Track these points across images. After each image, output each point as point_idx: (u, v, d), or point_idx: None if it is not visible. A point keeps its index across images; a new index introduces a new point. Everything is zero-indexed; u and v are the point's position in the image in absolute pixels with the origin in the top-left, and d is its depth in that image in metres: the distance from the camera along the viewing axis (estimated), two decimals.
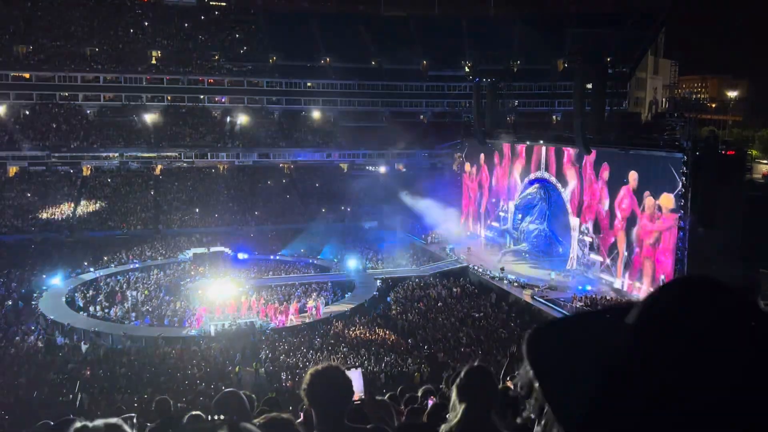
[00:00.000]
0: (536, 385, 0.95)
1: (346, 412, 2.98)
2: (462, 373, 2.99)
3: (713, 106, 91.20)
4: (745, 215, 34.25)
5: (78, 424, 2.11)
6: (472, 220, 57.10)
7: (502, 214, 51.66)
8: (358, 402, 3.19)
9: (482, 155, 55.58)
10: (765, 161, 64.02)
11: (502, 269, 43.14)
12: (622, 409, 0.87)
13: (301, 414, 4.50)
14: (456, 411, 2.87)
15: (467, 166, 58.82)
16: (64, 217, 55.03)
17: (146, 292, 39.83)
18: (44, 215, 54.46)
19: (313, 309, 36.65)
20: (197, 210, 58.46)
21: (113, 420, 2.14)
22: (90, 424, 2.10)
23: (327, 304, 38.48)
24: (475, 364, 3.09)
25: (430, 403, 7.46)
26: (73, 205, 57.07)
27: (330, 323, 35.20)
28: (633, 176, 37.57)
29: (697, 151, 33.85)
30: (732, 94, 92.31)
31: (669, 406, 0.85)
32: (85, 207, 57.34)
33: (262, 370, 29.38)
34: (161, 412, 6.95)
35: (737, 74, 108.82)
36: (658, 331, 0.90)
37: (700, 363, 0.85)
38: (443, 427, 2.92)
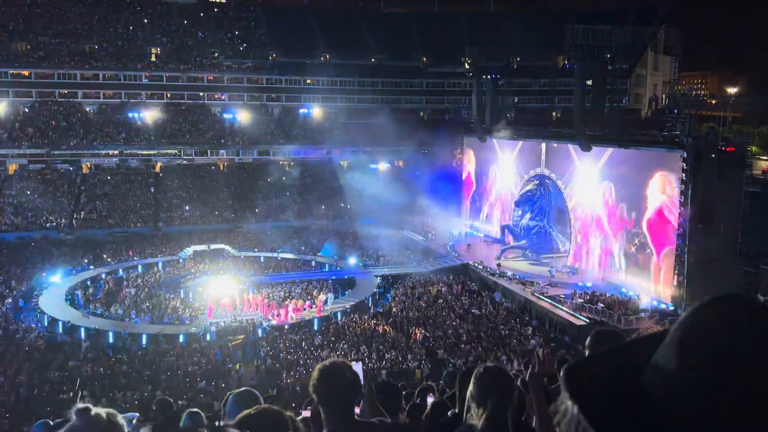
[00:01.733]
0: (580, 418, 0.94)
1: (354, 406, 2.96)
2: (478, 373, 2.94)
3: (713, 102, 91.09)
4: (744, 211, 34.25)
5: (80, 406, 2.15)
6: (472, 217, 57.08)
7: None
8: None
9: (482, 152, 55.58)
10: (765, 158, 63.99)
11: (499, 265, 43.22)
12: None
13: (308, 410, 4.49)
14: (477, 411, 2.84)
15: (467, 163, 58.82)
16: (63, 214, 54.99)
17: (147, 289, 39.82)
18: (44, 213, 54.41)
19: (323, 303, 37.18)
20: (187, 207, 58.39)
21: (112, 411, 2.18)
22: (93, 409, 2.14)
23: (336, 297, 38.94)
24: (489, 364, 3.05)
25: (429, 400, 7.45)
26: (72, 202, 57.05)
27: (330, 320, 35.25)
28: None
29: (697, 148, 33.83)
30: (732, 90, 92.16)
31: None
32: (85, 205, 57.34)
33: (263, 367, 29.42)
34: (163, 411, 6.95)
35: (737, 70, 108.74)
36: (702, 356, 0.89)
37: (751, 382, 0.85)
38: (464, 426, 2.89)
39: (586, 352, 3.78)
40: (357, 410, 3.35)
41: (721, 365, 0.87)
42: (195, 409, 5.51)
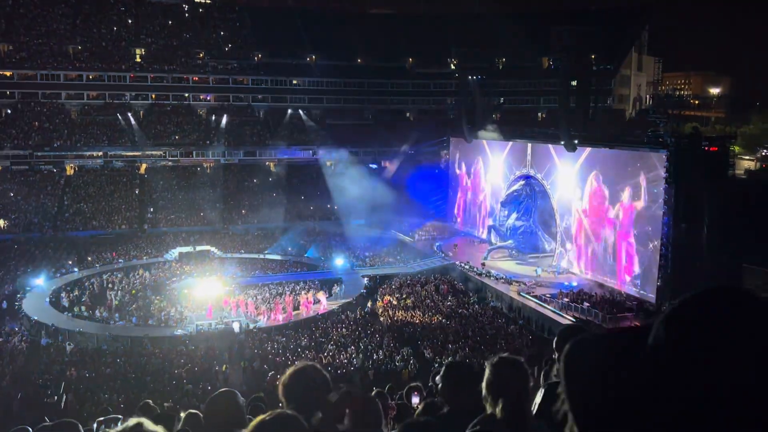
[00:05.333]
0: (564, 389, 1.01)
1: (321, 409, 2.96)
2: (491, 367, 2.94)
3: (696, 102, 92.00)
4: (728, 211, 34.56)
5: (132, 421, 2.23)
6: (458, 217, 57.24)
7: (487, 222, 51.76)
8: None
9: (468, 152, 55.76)
10: (747, 157, 64.66)
11: (483, 264, 43.37)
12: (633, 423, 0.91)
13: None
14: (493, 406, 2.83)
15: (453, 163, 59.00)
16: (47, 216, 54.46)
17: (134, 291, 39.53)
18: (27, 215, 53.86)
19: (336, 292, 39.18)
20: (173, 208, 58.08)
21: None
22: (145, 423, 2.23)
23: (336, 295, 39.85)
24: (504, 355, 3.06)
25: (415, 399, 7.47)
26: (56, 204, 56.52)
27: (318, 321, 35.20)
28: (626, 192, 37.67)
29: (680, 148, 34.14)
30: (714, 90, 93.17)
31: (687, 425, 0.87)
32: (69, 206, 56.82)
33: (251, 366, 29.28)
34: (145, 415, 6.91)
35: (720, 71, 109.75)
36: (675, 354, 0.90)
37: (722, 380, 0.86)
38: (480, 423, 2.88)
39: (554, 353, 3.91)
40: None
41: (691, 365, 0.87)
42: (194, 411, 5.48)
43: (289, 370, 2.96)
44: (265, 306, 36.57)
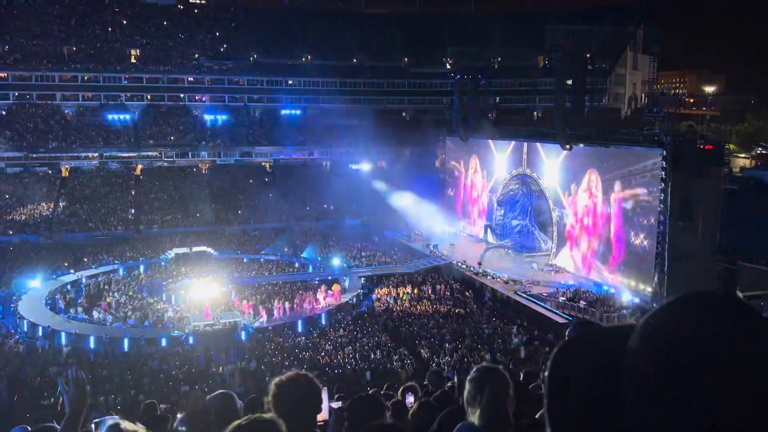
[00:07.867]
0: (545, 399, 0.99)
1: (315, 417, 2.91)
2: (471, 375, 2.95)
3: (691, 101, 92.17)
4: (723, 209, 34.67)
5: (110, 422, 2.23)
6: (454, 216, 57.22)
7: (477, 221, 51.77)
8: (321, 423, 3.13)
9: (464, 152, 55.79)
10: (743, 155, 64.84)
11: (480, 264, 43.37)
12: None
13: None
14: (473, 410, 2.84)
15: (449, 163, 59.03)
16: (42, 218, 54.31)
17: (130, 293, 39.42)
18: (22, 217, 53.71)
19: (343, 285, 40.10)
20: (168, 209, 57.99)
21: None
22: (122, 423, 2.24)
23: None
24: (483, 365, 3.09)
25: (409, 398, 7.46)
26: (52, 206, 56.36)
27: (314, 321, 35.19)
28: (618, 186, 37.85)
29: (676, 146, 34.20)
30: (709, 89, 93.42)
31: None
32: (65, 208, 56.67)
33: (247, 367, 29.24)
34: (147, 415, 6.90)
35: (715, 69, 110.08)
36: (653, 361, 0.84)
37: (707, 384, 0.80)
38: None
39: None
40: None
41: (666, 374, 0.81)
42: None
43: (276, 380, 2.88)
44: (279, 302, 36.50)
